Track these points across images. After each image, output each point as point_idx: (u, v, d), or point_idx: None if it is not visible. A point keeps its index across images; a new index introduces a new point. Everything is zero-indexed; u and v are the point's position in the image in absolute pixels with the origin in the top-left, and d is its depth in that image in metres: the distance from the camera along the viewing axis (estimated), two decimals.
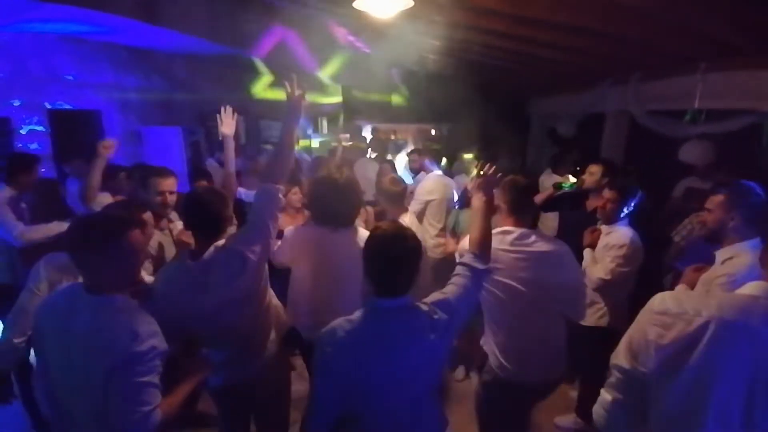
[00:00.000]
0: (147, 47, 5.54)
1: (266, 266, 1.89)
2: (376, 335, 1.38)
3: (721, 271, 1.80)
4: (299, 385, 2.37)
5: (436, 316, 1.41)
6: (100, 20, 3.97)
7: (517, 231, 1.98)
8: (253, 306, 1.85)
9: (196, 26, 4.68)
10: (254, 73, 6.97)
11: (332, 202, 2.12)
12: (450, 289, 1.52)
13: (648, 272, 2.57)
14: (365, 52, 6.78)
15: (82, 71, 5.04)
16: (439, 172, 4.18)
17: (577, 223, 2.87)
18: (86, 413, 1.30)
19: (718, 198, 1.94)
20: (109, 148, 2.71)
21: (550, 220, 4.28)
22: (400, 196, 2.91)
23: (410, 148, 6.83)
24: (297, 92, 1.91)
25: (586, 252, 2.64)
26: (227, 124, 2.67)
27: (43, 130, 4.72)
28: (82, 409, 1.31)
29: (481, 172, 1.82)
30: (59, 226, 2.71)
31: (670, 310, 1.11)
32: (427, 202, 3.82)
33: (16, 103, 4.46)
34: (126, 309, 1.33)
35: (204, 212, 1.72)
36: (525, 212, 2.05)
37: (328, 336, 1.40)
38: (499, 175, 1.85)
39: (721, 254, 1.88)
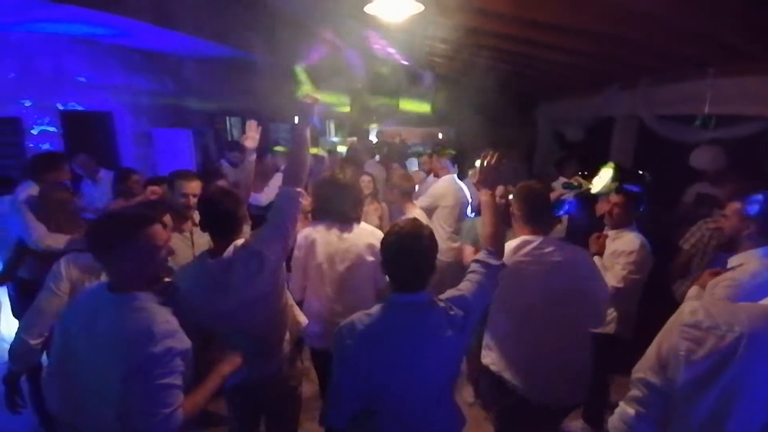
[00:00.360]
0: (158, 50, 5.61)
1: (284, 267, 1.91)
2: (394, 329, 1.40)
3: (728, 275, 1.82)
4: (305, 386, 2.38)
5: (452, 312, 1.43)
6: (111, 22, 4.02)
7: (536, 240, 1.92)
8: (270, 306, 1.86)
9: (205, 29, 4.73)
10: (263, 76, 7.01)
11: (335, 199, 2.17)
12: (465, 286, 1.53)
13: (655, 279, 2.54)
14: (373, 56, 6.82)
15: (94, 73, 5.10)
16: (454, 175, 4.14)
17: (585, 228, 2.86)
18: (107, 415, 1.28)
19: (735, 205, 1.96)
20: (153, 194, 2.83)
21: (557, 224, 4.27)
22: (409, 191, 2.98)
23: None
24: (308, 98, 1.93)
25: (595, 260, 2.61)
26: (251, 138, 2.76)
27: (55, 130, 4.78)
28: (104, 410, 1.28)
29: (484, 165, 1.79)
30: (79, 236, 2.57)
31: (702, 324, 1.05)
32: (437, 206, 3.80)
33: (27, 104, 4.52)
34: (144, 308, 1.32)
35: (217, 212, 1.74)
36: (542, 220, 1.99)
37: (347, 329, 1.42)
38: (502, 162, 1.79)
39: (732, 261, 1.90)
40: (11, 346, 1.85)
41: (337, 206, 2.22)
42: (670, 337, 1.10)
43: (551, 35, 3.36)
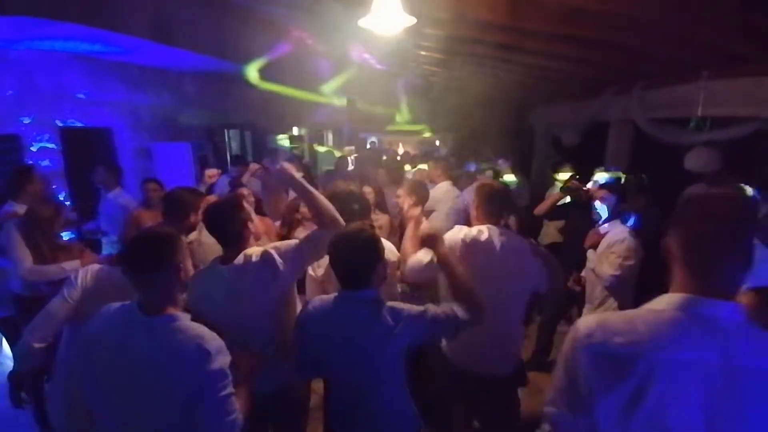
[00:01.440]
0: (157, 66, 5.66)
1: (295, 281, 1.96)
2: (334, 316, 1.61)
3: None
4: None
5: (385, 318, 1.54)
6: (110, 39, 4.05)
7: (486, 228, 2.16)
8: (280, 316, 1.88)
9: (204, 45, 4.78)
10: (260, 90, 7.08)
11: (342, 208, 2.14)
12: (426, 309, 1.59)
13: (652, 279, 2.55)
14: (370, 66, 6.89)
15: (93, 89, 5.13)
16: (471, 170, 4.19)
17: (583, 230, 2.92)
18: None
19: None
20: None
21: (551, 227, 4.29)
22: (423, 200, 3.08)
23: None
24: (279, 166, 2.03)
25: (590, 252, 2.81)
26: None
27: (55, 147, 4.80)
28: (148, 428, 1.33)
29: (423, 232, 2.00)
30: (71, 265, 2.56)
31: (607, 350, 0.92)
32: (433, 210, 3.73)
33: (27, 121, 4.54)
34: (188, 327, 1.35)
35: (215, 222, 1.83)
36: (492, 212, 2.22)
37: (306, 307, 1.71)
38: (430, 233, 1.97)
39: None
40: (17, 345, 1.89)
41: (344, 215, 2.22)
42: (574, 365, 0.97)
43: (545, 43, 3.40)
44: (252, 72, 5.85)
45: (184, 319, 1.37)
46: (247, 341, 1.76)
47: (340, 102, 8.90)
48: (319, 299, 1.70)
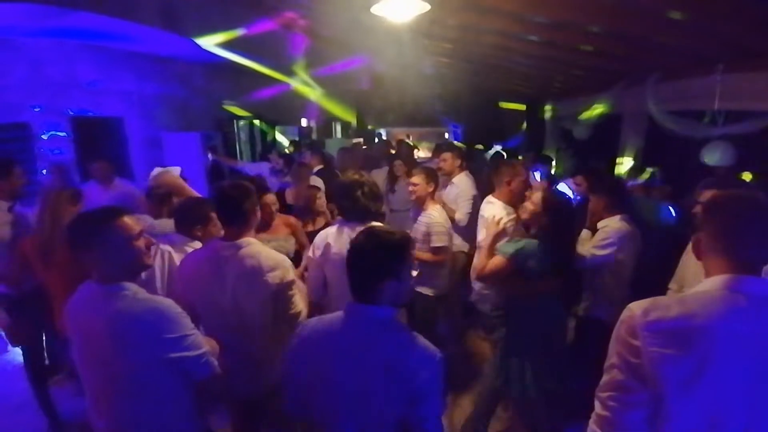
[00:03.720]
0: (167, 55, 5.68)
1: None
2: (336, 334, 1.32)
3: None
4: None
5: (407, 353, 1.25)
6: (122, 28, 4.07)
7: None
8: (271, 314, 1.87)
9: (213, 34, 4.78)
10: (269, 80, 7.06)
11: (353, 197, 2.19)
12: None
13: (662, 273, 2.51)
14: (379, 57, 6.84)
15: (104, 78, 5.17)
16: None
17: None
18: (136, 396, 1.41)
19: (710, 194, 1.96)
20: None
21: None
22: (432, 190, 3.10)
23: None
24: None
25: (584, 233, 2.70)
26: None
27: (65, 136, 4.84)
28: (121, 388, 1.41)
29: None
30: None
31: (667, 325, 0.97)
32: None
33: (38, 109, 4.58)
34: (140, 294, 1.42)
35: (226, 203, 1.85)
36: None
37: (301, 328, 1.43)
38: None
39: None
40: None
41: (355, 203, 2.22)
42: (631, 341, 0.99)
43: (558, 34, 3.36)
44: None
45: (133, 288, 1.42)
46: (233, 334, 1.82)
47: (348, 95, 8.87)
48: (317, 319, 1.43)
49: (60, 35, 4.41)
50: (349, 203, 2.20)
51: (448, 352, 3.58)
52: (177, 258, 2.12)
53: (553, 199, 2.31)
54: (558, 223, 2.24)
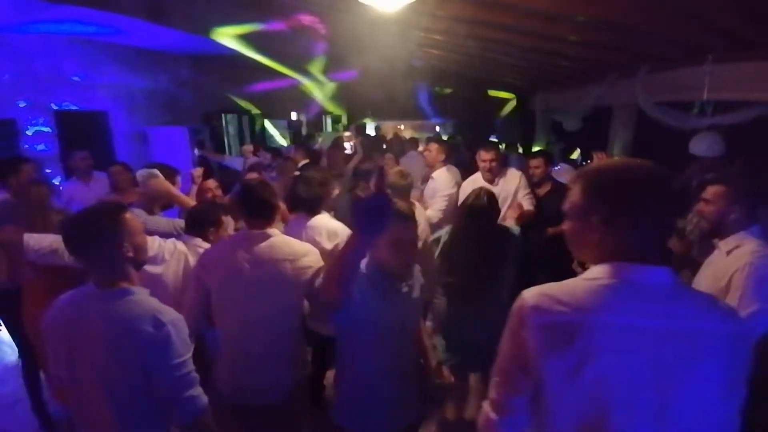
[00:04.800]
0: (152, 48, 5.57)
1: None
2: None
3: (737, 262, 1.79)
4: None
5: None
6: (106, 21, 4.00)
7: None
8: (287, 321, 1.87)
9: (200, 25, 4.68)
10: (258, 73, 6.97)
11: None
12: None
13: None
14: (368, 50, 6.77)
15: (88, 72, 5.07)
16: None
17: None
18: (121, 407, 1.33)
19: (718, 189, 1.93)
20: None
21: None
22: (407, 189, 2.93)
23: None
24: None
25: None
26: None
27: (50, 131, 4.74)
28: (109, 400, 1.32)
29: None
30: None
31: (554, 319, 0.95)
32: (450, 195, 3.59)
33: (22, 105, 4.48)
34: (144, 300, 1.35)
35: (256, 200, 1.89)
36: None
37: None
38: None
39: (725, 245, 1.88)
40: None
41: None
42: (520, 330, 0.99)
43: (548, 24, 3.33)
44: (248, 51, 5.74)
45: (141, 294, 1.36)
46: (247, 331, 1.80)
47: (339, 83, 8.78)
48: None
49: (46, 30, 4.31)
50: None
51: None
52: (192, 259, 2.10)
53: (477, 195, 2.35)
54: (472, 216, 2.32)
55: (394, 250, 1.53)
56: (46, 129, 4.71)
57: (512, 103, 8.52)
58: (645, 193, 0.97)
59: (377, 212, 1.09)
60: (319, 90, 9.00)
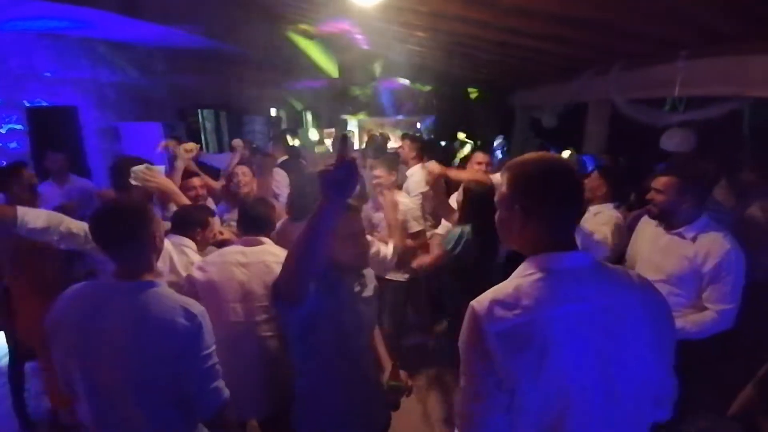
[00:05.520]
0: (125, 41, 5.41)
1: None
2: None
3: (715, 249, 1.96)
4: None
5: None
6: (78, 15, 3.89)
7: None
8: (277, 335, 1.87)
9: (174, 18, 4.57)
10: (236, 67, 6.85)
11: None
12: None
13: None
14: (349, 46, 6.73)
15: (59, 67, 4.94)
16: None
17: None
18: (145, 400, 1.30)
19: (668, 180, 2.05)
20: (190, 152, 2.84)
21: None
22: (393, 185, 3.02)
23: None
24: None
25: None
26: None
27: (22, 128, 4.60)
28: (141, 396, 1.29)
29: None
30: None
31: (508, 326, 0.97)
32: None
33: None
34: (171, 292, 1.37)
35: (251, 214, 2.05)
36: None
37: None
38: None
39: (688, 233, 2.05)
40: None
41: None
42: (479, 340, 0.99)
43: (526, 21, 3.35)
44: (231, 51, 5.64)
45: (165, 286, 1.38)
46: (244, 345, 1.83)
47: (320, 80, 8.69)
48: None
49: (20, 27, 4.20)
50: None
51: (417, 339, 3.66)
52: (177, 258, 2.08)
53: (475, 189, 2.38)
54: (479, 212, 2.29)
55: (348, 244, 1.52)
56: (18, 126, 4.56)
57: (476, 94, 8.55)
58: (559, 184, 1.05)
59: (344, 176, 1.11)
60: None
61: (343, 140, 1.21)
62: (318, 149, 7.77)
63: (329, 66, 7.42)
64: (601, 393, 0.98)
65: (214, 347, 1.35)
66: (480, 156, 3.48)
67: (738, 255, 1.96)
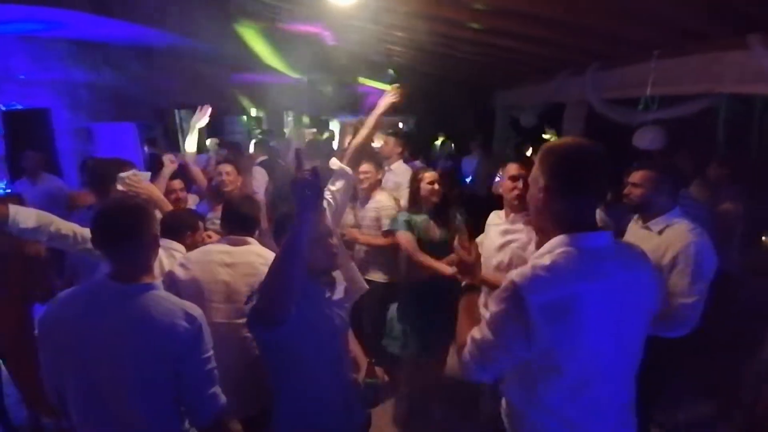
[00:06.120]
0: (99, 40, 5.27)
1: None
2: None
3: (677, 241, 1.98)
4: None
5: None
6: (52, 16, 3.86)
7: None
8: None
9: (144, 16, 4.47)
10: (213, 67, 6.73)
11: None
12: None
13: None
14: (328, 45, 6.68)
15: (34, 69, 4.85)
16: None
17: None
18: (140, 405, 1.27)
19: (646, 174, 2.10)
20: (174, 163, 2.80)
21: None
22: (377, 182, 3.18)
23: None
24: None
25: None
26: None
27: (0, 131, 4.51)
28: (140, 397, 1.27)
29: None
30: None
31: (548, 299, 1.09)
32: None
33: None
34: (169, 295, 1.36)
35: (237, 213, 1.99)
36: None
37: None
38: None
39: (654, 225, 2.09)
40: None
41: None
42: (517, 310, 1.10)
43: (504, 21, 3.38)
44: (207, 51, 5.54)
45: (162, 289, 1.37)
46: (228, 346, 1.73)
47: (299, 79, 8.60)
48: None
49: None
50: None
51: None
52: (166, 262, 2.04)
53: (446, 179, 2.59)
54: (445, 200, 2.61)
55: (317, 248, 1.49)
56: None
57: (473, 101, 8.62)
58: (587, 169, 1.14)
59: (309, 189, 1.16)
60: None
61: (297, 154, 1.23)
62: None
63: (280, 64, 7.33)
64: (615, 351, 1.15)
65: (212, 352, 1.33)
66: (387, 138, 4.08)
67: (700, 248, 1.93)
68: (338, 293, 1.63)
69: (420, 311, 2.60)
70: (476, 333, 1.18)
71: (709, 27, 2.55)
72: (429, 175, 2.66)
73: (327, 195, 2.07)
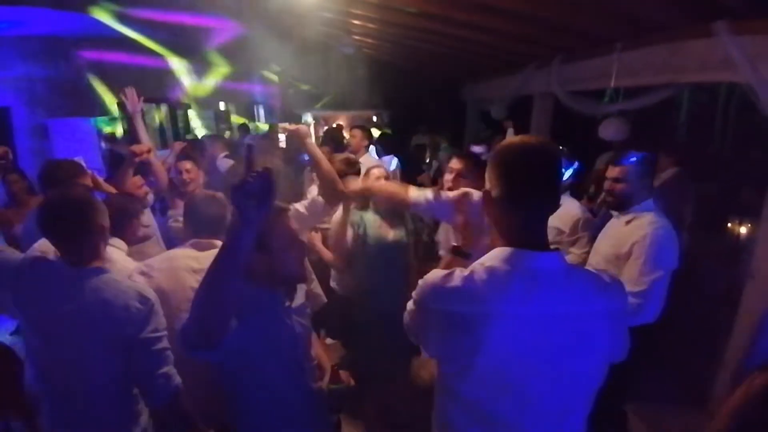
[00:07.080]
0: (51, 33, 5.02)
1: None
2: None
3: (636, 233, 2.00)
4: None
5: None
6: (11, 15, 3.79)
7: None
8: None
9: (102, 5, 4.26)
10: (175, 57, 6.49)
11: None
12: None
13: None
14: (299, 38, 6.55)
15: None
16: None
17: None
18: (94, 385, 1.34)
19: (627, 168, 2.11)
20: (141, 155, 2.72)
21: None
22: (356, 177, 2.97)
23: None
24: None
25: None
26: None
27: None
28: (95, 377, 1.34)
29: None
30: None
31: (451, 311, 0.99)
32: None
33: None
34: (121, 278, 1.40)
35: (202, 216, 1.87)
36: None
37: None
38: None
39: (624, 216, 2.13)
40: None
41: None
42: (420, 311, 1.09)
43: (468, 14, 3.37)
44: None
45: (114, 272, 1.40)
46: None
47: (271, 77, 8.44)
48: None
49: None
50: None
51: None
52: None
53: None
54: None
55: (290, 254, 1.37)
56: None
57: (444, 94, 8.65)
58: (532, 177, 0.99)
59: (260, 189, 0.97)
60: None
61: (249, 149, 1.14)
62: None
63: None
64: (550, 391, 0.98)
65: (165, 333, 1.35)
66: (354, 131, 4.10)
67: (655, 239, 1.96)
68: (298, 299, 1.52)
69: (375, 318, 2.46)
70: (410, 304, 1.12)
71: (670, 16, 2.58)
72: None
73: (299, 206, 2.05)
